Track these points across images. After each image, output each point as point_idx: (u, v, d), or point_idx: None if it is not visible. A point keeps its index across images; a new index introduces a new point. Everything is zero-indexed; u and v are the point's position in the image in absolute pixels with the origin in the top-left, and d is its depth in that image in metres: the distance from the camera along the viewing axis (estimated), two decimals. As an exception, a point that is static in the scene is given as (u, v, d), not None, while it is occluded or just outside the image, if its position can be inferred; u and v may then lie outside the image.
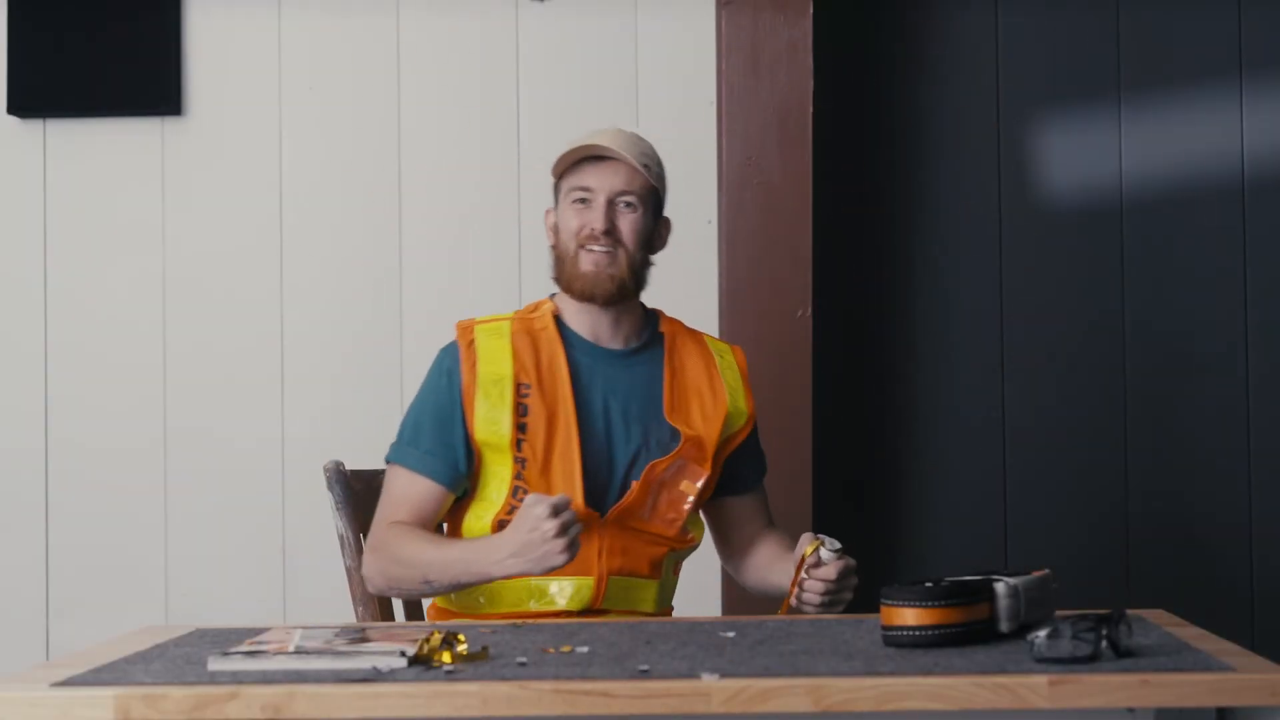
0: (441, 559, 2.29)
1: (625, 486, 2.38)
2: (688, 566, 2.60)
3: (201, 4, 3.29)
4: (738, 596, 3.13)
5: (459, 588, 2.31)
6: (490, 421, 2.36)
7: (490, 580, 2.27)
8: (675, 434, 2.39)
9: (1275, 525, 3.39)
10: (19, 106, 3.27)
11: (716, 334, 3.20)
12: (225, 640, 1.94)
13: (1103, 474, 3.41)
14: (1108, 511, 3.41)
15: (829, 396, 3.34)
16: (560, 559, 2.15)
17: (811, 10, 3.21)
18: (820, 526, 3.25)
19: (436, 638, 1.79)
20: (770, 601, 2.54)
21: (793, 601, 2.22)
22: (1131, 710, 1.64)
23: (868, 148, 3.45)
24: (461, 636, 1.81)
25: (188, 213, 3.30)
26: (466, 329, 2.44)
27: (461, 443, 2.38)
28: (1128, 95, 3.43)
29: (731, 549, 2.56)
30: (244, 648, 1.80)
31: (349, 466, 2.47)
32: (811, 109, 3.21)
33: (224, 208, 3.30)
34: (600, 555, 2.35)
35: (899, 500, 3.44)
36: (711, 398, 2.45)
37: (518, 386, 2.37)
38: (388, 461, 2.43)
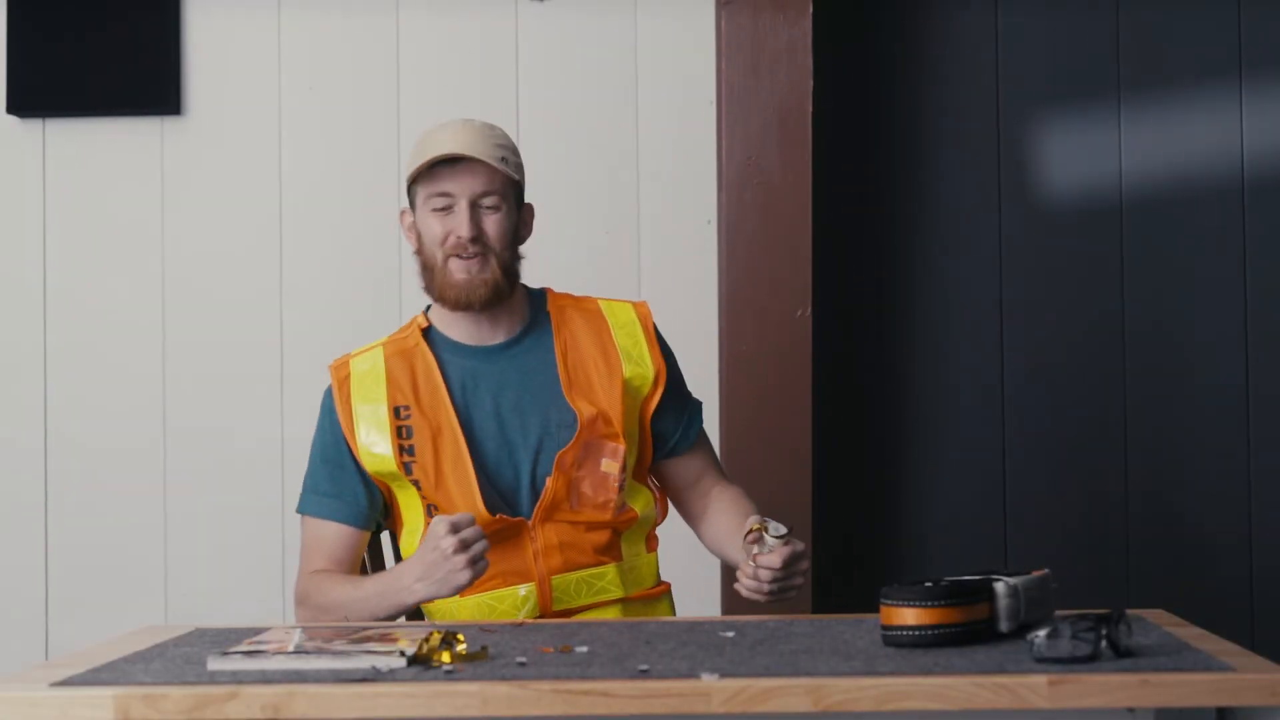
0: (358, 597, 2.26)
1: (538, 481, 2.33)
2: (687, 566, 2.60)
3: (201, 4, 3.29)
4: (738, 596, 3.13)
5: (380, 618, 2.26)
6: (373, 452, 2.33)
7: (406, 608, 2.24)
8: (576, 416, 2.34)
9: (1275, 526, 3.39)
10: (19, 106, 3.27)
11: (715, 334, 3.20)
12: (225, 640, 1.94)
13: (1103, 474, 3.41)
14: (1108, 511, 3.41)
15: (829, 396, 3.34)
16: (462, 576, 2.12)
17: (811, 10, 3.21)
18: (820, 526, 3.25)
19: (436, 637, 1.79)
20: (769, 602, 2.54)
21: (742, 591, 2.16)
22: (1131, 710, 1.64)
23: (868, 148, 3.45)
24: (461, 636, 1.81)
25: (187, 212, 3.30)
26: (339, 366, 2.40)
27: (357, 480, 2.35)
28: (1128, 95, 3.43)
29: (686, 512, 2.50)
30: (243, 647, 1.80)
31: (349, 466, 2.47)
32: (811, 109, 3.21)
33: (224, 207, 3.30)
34: (536, 558, 2.31)
35: (899, 500, 3.44)
36: (606, 367, 2.37)
37: (395, 410, 2.33)
38: (297, 513, 2.42)
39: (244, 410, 3.27)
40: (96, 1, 3.25)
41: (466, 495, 2.29)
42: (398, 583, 2.21)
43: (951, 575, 1.91)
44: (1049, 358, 3.42)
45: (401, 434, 2.32)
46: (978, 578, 1.87)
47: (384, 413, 2.33)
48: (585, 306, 2.44)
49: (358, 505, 2.36)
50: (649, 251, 3.25)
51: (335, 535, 2.36)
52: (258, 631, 1.97)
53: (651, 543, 2.46)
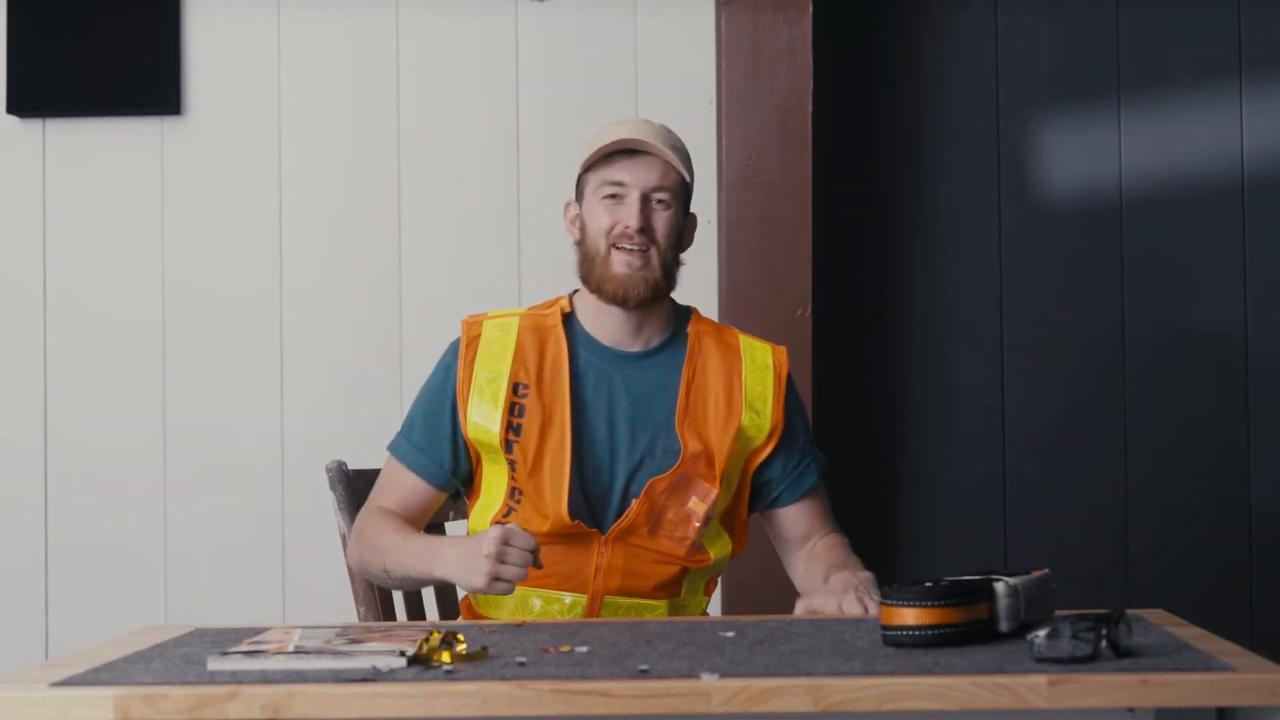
0: (399, 547, 2.23)
1: (626, 497, 2.29)
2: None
3: (201, 4, 3.29)
4: (738, 596, 3.13)
5: (411, 582, 2.27)
6: (478, 422, 2.30)
7: (434, 579, 2.23)
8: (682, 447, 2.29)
9: (1275, 525, 3.39)
10: (19, 106, 3.27)
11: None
12: (225, 640, 1.94)
13: (1103, 474, 3.41)
14: (1108, 511, 3.41)
15: (829, 396, 3.34)
16: (478, 580, 2.07)
17: (811, 10, 3.21)
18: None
19: (436, 637, 1.79)
20: (769, 602, 2.53)
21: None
22: (1131, 710, 1.64)
23: (868, 148, 3.45)
24: (461, 636, 1.81)
25: (187, 212, 3.30)
26: (473, 324, 2.36)
27: (449, 442, 2.33)
28: (1128, 95, 3.43)
29: (784, 560, 2.45)
30: (243, 647, 1.80)
31: (350, 466, 2.47)
32: (811, 109, 3.21)
33: (223, 207, 3.30)
34: (597, 573, 2.28)
35: (899, 500, 3.44)
36: (726, 408, 2.33)
37: (514, 386, 2.29)
38: (386, 450, 2.40)
39: (244, 410, 3.27)
40: (96, 1, 3.25)
41: (556, 491, 2.26)
42: (436, 553, 2.18)
43: (951, 575, 1.91)
44: (1049, 357, 3.42)
45: (514, 410, 2.29)
46: (978, 578, 1.87)
47: (503, 385, 2.29)
48: (725, 339, 2.39)
49: (442, 467, 2.34)
50: (649, 251, 3.25)
51: (411, 485, 2.35)
52: (257, 631, 1.97)
53: (710, 586, 2.42)
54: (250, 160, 3.30)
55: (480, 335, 2.34)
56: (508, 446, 2.29)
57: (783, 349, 2.42)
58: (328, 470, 2.46)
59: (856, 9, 3.43)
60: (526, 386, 2.30)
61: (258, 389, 3.28)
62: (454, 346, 2.37)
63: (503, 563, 2.07)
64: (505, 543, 2.07)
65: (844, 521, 3.38)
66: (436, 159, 3.29)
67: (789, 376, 2.40)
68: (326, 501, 2.49)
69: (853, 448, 3.42)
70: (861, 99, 3.45)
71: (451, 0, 3.29)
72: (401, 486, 2.35)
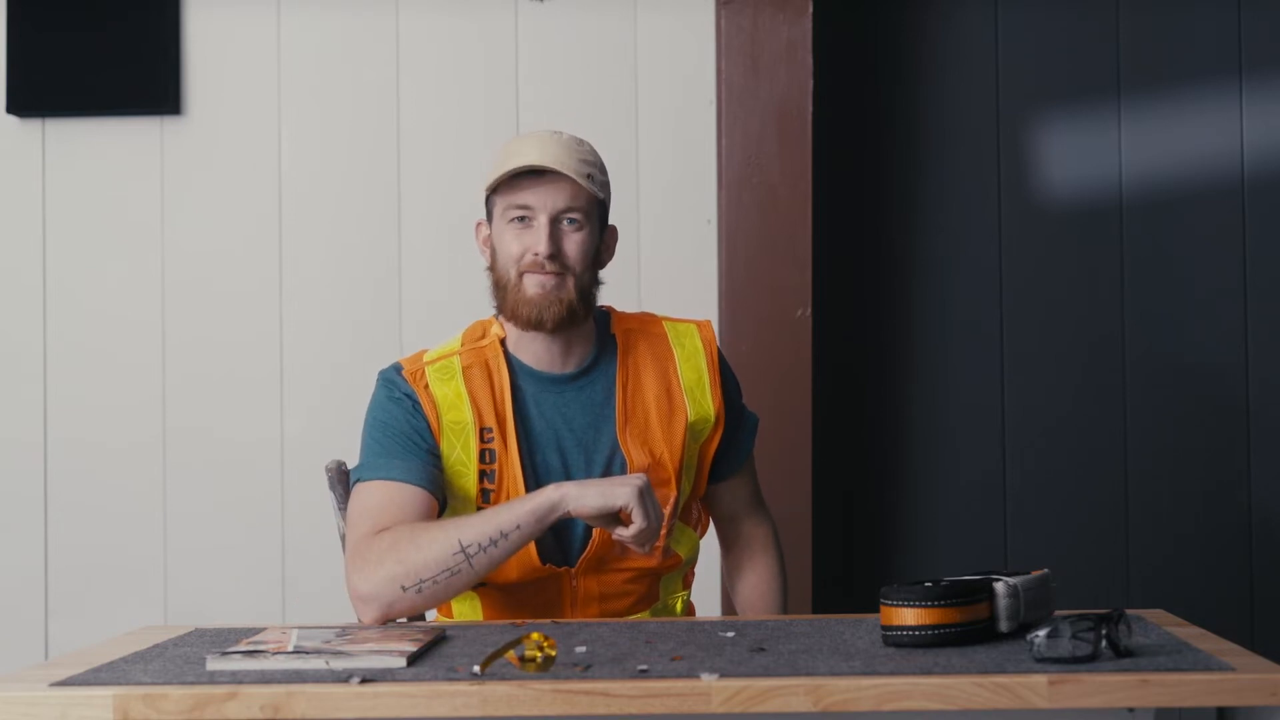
0: (478, 516, 2.06)
1: (591, 528, 2.22)
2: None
3: (201, 3, 3.29)
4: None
5: (504, 542, 2.05)
6: (459, 475, 2.21)
7: (542, 512, 2.06)
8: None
9: (1275, 526, 3.39)
10: (18, 106, 3.27)
11: (717, 334, 3.19)
12: (224, 640, 1.94)
13: (1103, 474, 3.41)
14: (1108, 511, 3.41)
15: (829, 397, 3.34)
16: (625, 494, 2.02)
17: (811, 10, 3.21)
18: (820, 526, 3.25)
19: (539, 638, 1.73)
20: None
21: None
22: (1131, 710, 1.64)
23: (868, 148, 3.45)
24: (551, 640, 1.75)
25: (187, 211, 3.30)
26: (415, 374, 2.24)
27: (438, 463, 2.20)
28: (1128, 95, 3.43)
29: (719, 539, 2.45)
30: (242, 647, 1.80)
31: (349, 466, 2.47)
32: (811, 109, 3.21)
33: (223, 207, 3.30)
34: (573, 606, 2.24)
35: (899, 500, 3.44)
36: (669, 407, 2.27)
37: (481, 433, 2.21)
38: (354, 483, 2.22)
39: (244, 409, 3.27)
40: (96, 1, 3.25)
41: None
42: (543, 493, 2.07)
43: (951, 575, 1.91)
44: (1048, 357, 3.42)
45: (484, 458, 2.21)
46: (978, 578, 1.87)
47: (471, 433, 2.21)
48: (651, 331, 2.33)
49: (435, 478, 2.19)
50: (649, 251, 3.25)
51: (409, 497, 2.15)
52: (257, 631, 1.97)
53: (688, 579, 2.41)
54: (250, 160, 3.30)
55: (428, 385, 2.24)
56: (484, 495, 2.21)
57: (706, 322, 2.37)
58: (328, 470, 2.46)
59: (856, 9, 3.43)
60: (490, 430, 2.22)
61: (257, 388, 3.28)
62: (408, 392, 2.24)
63: (649, 507, 2.04)
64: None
65: (844, 520, 3.38)
66: (436, 159, 3.29)
67: (718, 350, 2.36)
68: (326, 501, 2.49)
69: (853, 448, 3.42)
70: (861, 99, 3.45)
71: (451, 0, 3.29)
72: (397, 502, 2.14)
